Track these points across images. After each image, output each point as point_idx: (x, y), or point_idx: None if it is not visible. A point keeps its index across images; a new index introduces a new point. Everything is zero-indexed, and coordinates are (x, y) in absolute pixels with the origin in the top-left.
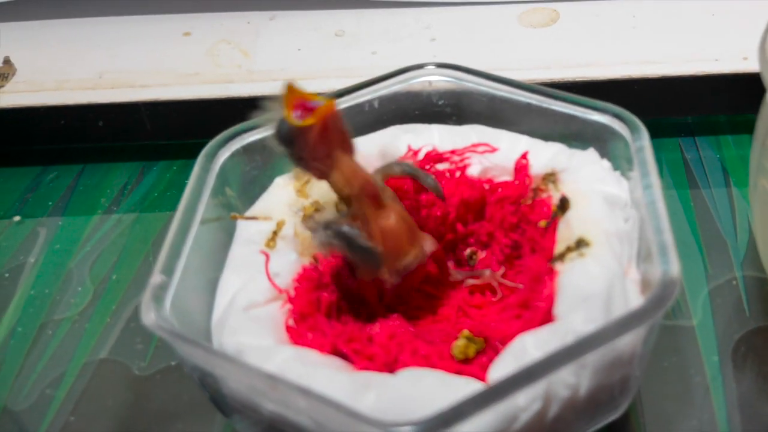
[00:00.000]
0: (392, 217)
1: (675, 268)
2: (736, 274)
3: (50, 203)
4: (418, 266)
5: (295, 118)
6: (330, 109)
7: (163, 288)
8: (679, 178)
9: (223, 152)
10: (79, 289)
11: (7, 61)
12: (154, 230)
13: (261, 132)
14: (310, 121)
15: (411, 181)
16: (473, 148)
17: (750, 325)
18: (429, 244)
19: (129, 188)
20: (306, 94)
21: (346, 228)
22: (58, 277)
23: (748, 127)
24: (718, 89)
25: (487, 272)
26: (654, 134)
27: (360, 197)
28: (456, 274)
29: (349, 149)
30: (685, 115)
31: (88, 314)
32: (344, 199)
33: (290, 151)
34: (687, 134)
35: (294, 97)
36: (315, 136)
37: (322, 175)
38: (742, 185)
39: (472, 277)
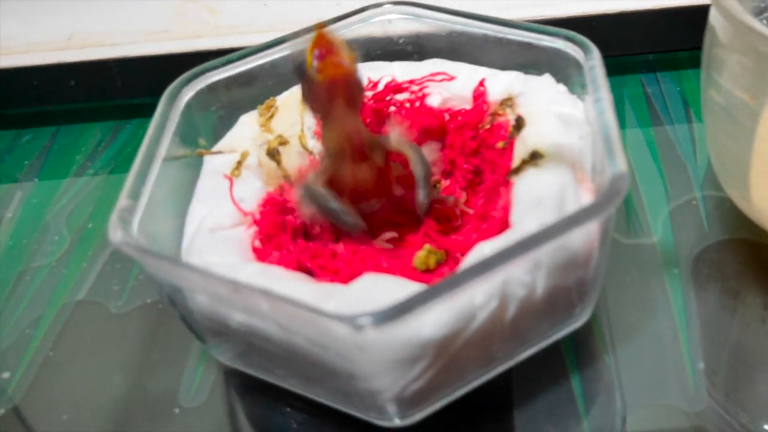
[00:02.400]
0: (366, 172)
1: (622, 165)
2: (696, 195)
3: (26, 162)
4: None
5: (312, 64)
6: (339, 73)
7: (129, 211)
8: (641, 112)
9: (187, 91)
10: (56, 238)
11: None
12: None
13: (224, 71)
14: (318, 77)
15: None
16: (431, 77)
17: (709, 240)
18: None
19: (103, 146)
20: (333, 41)
21: (320, 190)
22: (35, 228)
23: None
24: (676, 23)
25: (451, 199)
26: (616, 72)
27: (344, 148)
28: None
29: (354, 105)
30: (646, 52)
31: (65, 261)
32: (329, 148)
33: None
34: (649, 71)
35: (321, 41)
36: (321, 90)
37: (318, 116)
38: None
39: (438, 203)
